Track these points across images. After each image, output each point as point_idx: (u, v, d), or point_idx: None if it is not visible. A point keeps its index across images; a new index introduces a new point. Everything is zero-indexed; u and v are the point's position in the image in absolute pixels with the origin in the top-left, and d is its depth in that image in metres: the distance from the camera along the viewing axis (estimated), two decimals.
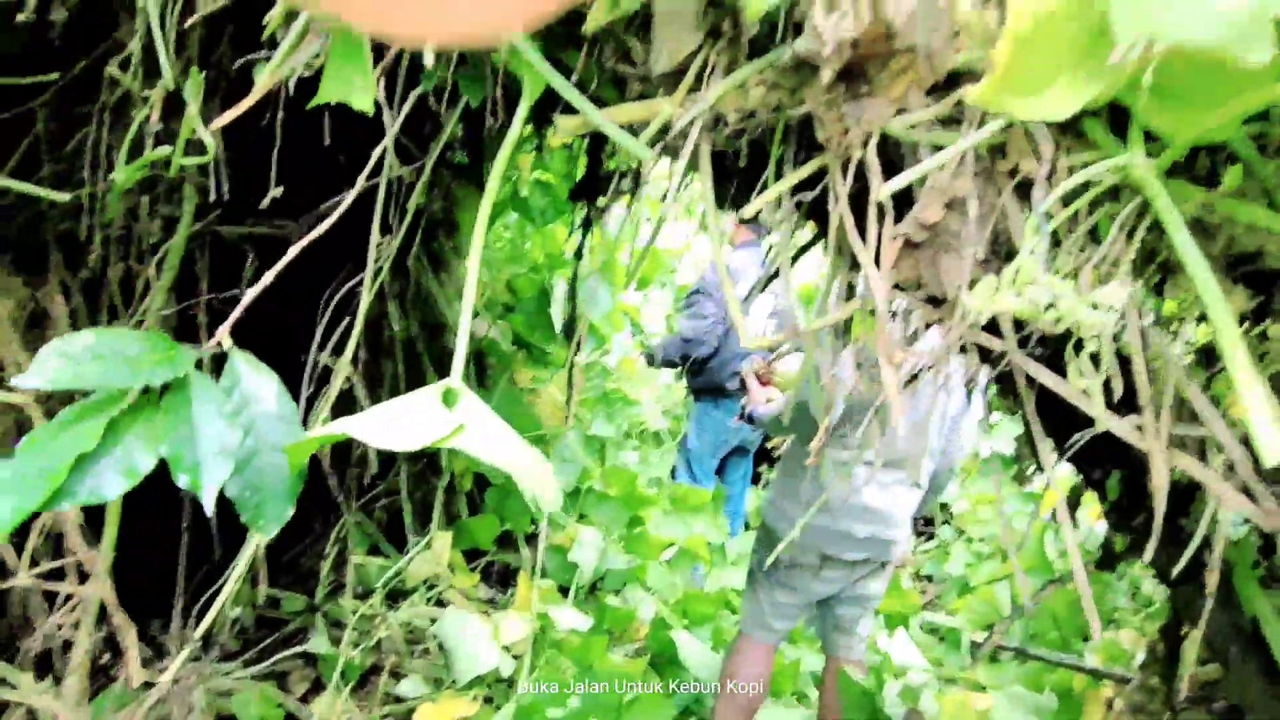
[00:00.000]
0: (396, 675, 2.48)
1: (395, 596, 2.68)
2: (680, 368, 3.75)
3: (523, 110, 0.86)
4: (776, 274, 1.16)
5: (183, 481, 0.62)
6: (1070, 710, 1.83)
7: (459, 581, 2.68)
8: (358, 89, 0.82)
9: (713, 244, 0.82)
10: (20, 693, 1.27)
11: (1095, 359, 0.58)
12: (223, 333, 0.75)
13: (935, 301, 0.73)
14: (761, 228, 3.95)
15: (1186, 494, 1.04)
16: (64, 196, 1.28)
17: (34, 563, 1.28)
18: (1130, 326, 0.61)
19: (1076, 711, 1.82)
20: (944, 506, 3.80)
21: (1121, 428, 0.65)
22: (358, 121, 1.24)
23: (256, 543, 1.51)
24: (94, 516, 1.32)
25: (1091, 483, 1.20)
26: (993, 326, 0.79)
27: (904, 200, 0.76)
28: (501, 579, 3.00)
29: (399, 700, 2.42)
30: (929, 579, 3.49)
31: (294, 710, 2.29)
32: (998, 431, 3.41)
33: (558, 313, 2.80)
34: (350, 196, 1.04)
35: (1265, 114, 0.56)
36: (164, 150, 1.10)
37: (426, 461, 2.79)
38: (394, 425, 0.68)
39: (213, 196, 1.42)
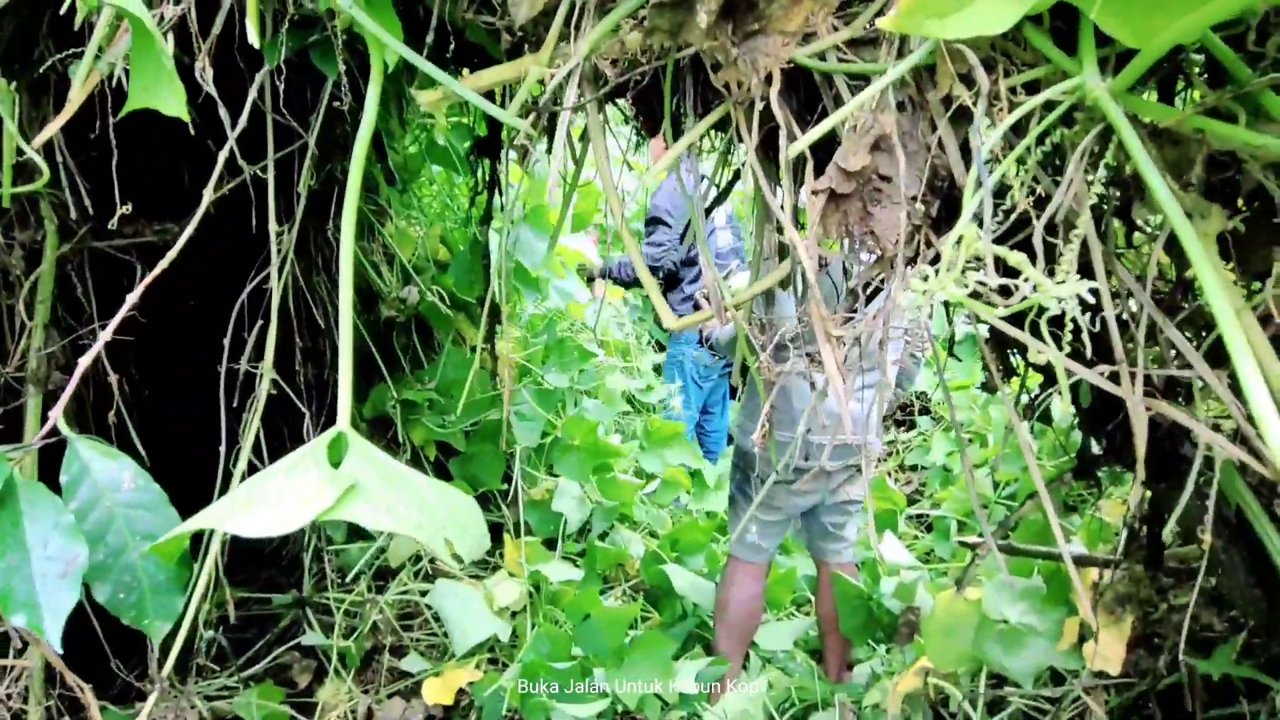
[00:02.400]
0: (398, 652, 2.47)
1: (383, 576, 2.65)
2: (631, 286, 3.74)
3: (374, 90, 0.73)
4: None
5: (19, 620, 0.52)
6: (1059, 590, 1.85)
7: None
8: (164, 93, 0.68)
9: (609, 197, 0.71)
10: None
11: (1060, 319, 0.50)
12: (55, 415, 0.63)
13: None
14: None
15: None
16: None
17: None
18: (1099, 274, 0.52)
19: (1066, 590, 1.84)
20: (921, 395, 3.81)
21: (1097, 379, 0.57)
22: (237, 100, 1.08)
23: (208, 569, 1.43)
24: None
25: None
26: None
27: (829, 142, 0.65)
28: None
29: (404, 675, 2.42)
30: (914, 469, 3.52)
31: (300, 700, 2.29)
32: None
33: (494, 265, 2.65)
34: (198, 213, 0.91)
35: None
36: None
37: (389, 437, 2.70)
38: (269, 504, 0.58)
39: (73, 213, 1.26)
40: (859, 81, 0.62)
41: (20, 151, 1.03)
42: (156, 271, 0.92)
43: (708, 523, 2.82)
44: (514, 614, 2.53)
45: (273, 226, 1.39)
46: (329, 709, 2.28)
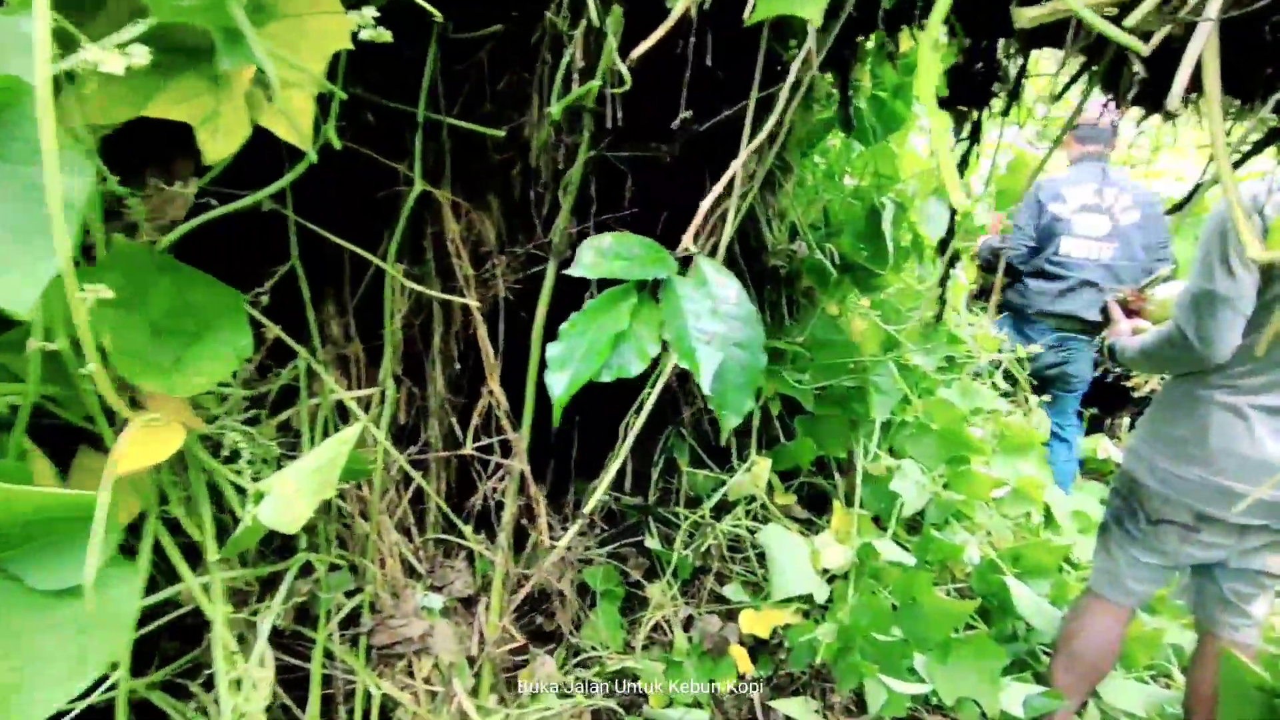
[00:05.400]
0: (720, 579, 2.66)
1: (717, 508, 2.86)
2: (990, 272, 3.64)
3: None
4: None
5: (684, 364, 0.70)
6: None
7: (777, 500, 2.77)
8: None
9: (1219, 153, 0.70)
10: (466, 541, 1.57)
11: None
12: (688, 240, 0.81)
13: None
14: (1102, 138, 3.47)
15: None
16: (499, 133, 1.49)
17: (476, 437, 1.55)
18: None
19: None
20: None
21: None
22: (726, 37, 1.26)
23: (631, 436, 1.69)
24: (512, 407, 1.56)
25: None
26: None
27: None
28: (813, 503, 3.05)
29: (722, 600, 2.60)
30: None
31: (629, 590, 2.59)
32: None
33: (890, 233, 2.68)
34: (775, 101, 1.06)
35: None
36: (593, 84, 1.20)
37: None
38: None
39: (609, 124, 1.55)
40: None
41: (611, 63, 1.27)
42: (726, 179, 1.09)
43: (1058, 546, 2.59)
44: (831, 579, 2.58)
45: (743, 153, 1.57)
46: (657, 607, 2.54)
